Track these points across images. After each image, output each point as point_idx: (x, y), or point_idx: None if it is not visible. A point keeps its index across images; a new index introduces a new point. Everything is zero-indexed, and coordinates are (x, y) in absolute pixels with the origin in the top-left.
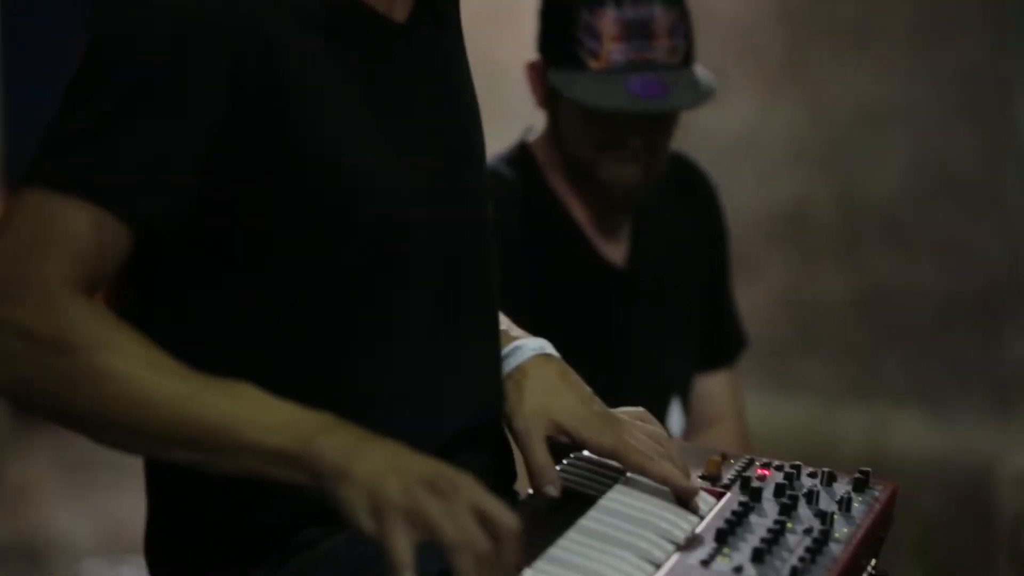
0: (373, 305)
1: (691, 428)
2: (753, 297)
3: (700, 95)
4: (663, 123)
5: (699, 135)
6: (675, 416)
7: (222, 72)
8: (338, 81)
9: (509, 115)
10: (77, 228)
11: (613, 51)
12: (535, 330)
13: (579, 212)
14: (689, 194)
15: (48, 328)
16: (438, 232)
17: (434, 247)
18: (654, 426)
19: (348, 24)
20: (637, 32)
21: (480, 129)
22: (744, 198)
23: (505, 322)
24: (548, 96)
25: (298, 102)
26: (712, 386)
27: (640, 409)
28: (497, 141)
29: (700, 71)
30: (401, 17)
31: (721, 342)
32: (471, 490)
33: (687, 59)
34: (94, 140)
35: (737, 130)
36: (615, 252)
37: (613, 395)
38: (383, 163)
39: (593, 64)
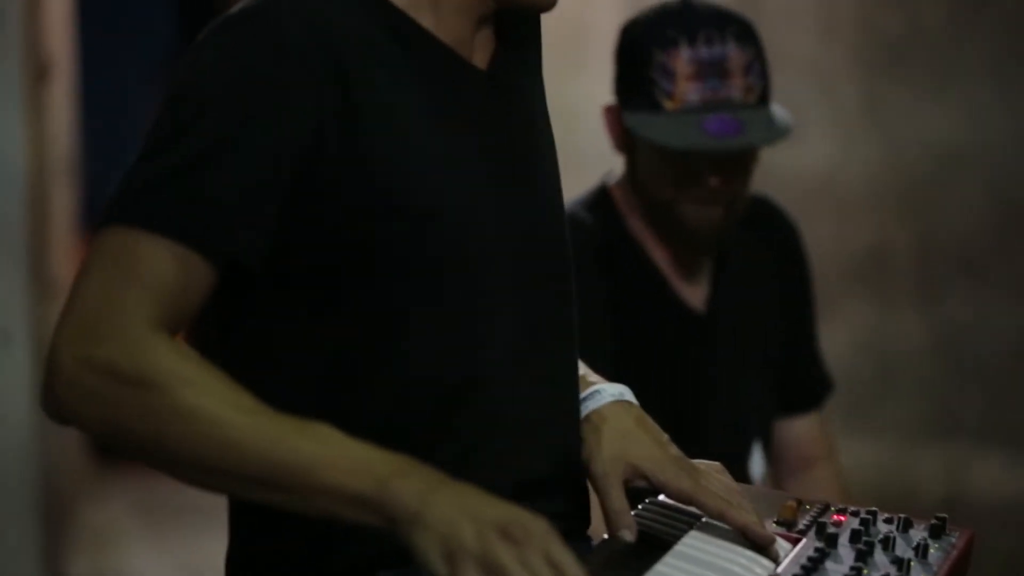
0: (449, 350)
1: (781, 474)
2: (832, 339)
3: (776, 133)
4: (740, 162)
5: (777, 177)
6: (756, 461)
7: (305, 111)
8: (419, 124)
9: (586, 158)
10: (161, 266)
11: (688, 91)
12: (614, 373)
13: (658, 255)
14: (770, 235)
15: (133, 366)
16: (517, 275)
17: (513, 290)
18: (727, 478)
19: (430, 69)
20: (712, 71)
21: (558, 174)
22: (823, 239)
23: (583, 367)
24: (625, 139)
25: (379, 144)
26: (800, 430)
27: (716, 463)
28: (575, 184)
29: (777, 109)
30: (483, 63)
31: (806, 386)
32: (544, 537)
33: (763, 98)
34: (177, 178)
35: (815, 171)
36: (695, 295)
37: (693, 440)
38: (464, 205)
39: (668, 105)
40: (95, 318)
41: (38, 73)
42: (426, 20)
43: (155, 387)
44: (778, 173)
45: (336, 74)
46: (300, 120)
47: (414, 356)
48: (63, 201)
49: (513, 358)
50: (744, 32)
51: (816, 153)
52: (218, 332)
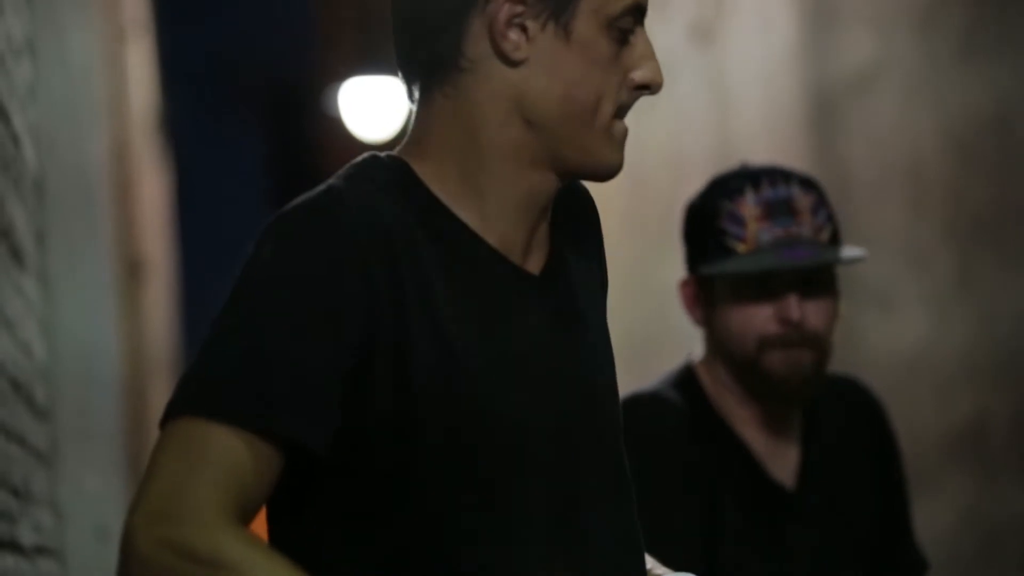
0: (496, 551)
1: None
2: (933, 516)
3: (852, 258)
4: (820, 287)
5: (871, 353)
6: None
7: (362, 304)
8: (469, 326)
9: (679, 337)
10: (230, 452)
11: (759, 231)
12: (703, 552)
13: (747, 431)
14: (858, 415)
15: (207, 548)
16: (567, 479)
17: (564, 492)
18: None
19: (483, 273)
20: (780, 210)
21: (614, 379)
22: (920, 415)
23: (651, 561)
24: (703, 306)
25: (430, 342)
26: None
27: None
28: (668, 363)
29: (851, 249)
30: (536, 269)
31: (900, 567)
32: None
33: (834, 238)
34: (242, 367)
35: (910, 347)
36: (784, 473)
37: None
38: (513, 409)
39: (741, 248)
40: (169, 502)
41: (131, 271)
42: (473, 223)
43: (226, 569)
44: (872, 349)
45: (392, 274)
46: (357, 316)
47: (465, 557)
48: (160, 400)
49: (559, 562)
50: (806, 180)
51: (909, 328)
52: (287, 514)
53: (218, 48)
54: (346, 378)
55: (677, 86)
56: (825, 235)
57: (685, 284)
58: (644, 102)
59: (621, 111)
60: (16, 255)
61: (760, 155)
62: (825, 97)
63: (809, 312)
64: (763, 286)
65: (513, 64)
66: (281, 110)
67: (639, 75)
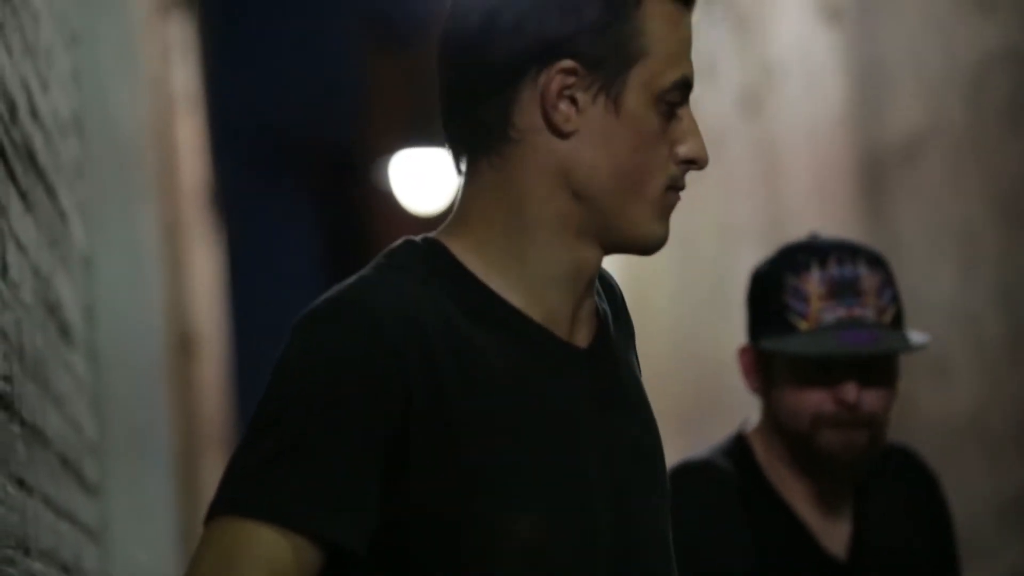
0: None
1: None
2: None
3: (913, 344)
4: (879, 373)
5: (924, 419)
6: None
7: (395, 401)
8: (513, 406)
9: (732, 407)
10: (270, 553)
11: (822, 309)
12: None
13: (799, 502)
14: (911, 485)
15: None
16: (614, 561)
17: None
18: None
19: (528, 348)
20: (845, 290)
21: (660, 452)
22: (973, 481)
23: None
24: (761, 376)
25: (471, 429)
26: None
27: None
28: (721, 432)
29: (914, 333)
30: (583, 343)
31: None
32: None
33: (898, 321)
34: (280, 466)
35: (962, 412)
36: (836, 544)
37: None
38: (553, 491)
39: (803, 325)
40: None
41: (182, 345)
42: (517, 299)
43: None
44: (924, 414)
45: (426, 364)
46: (391, 410)
47: None
48: (212, 476)
49: None
50: (874, 258)
51: (962, 393)
52: None
53: (269, 121)
54: (384, 473)
55: (726, 153)
56: (888, 317)
57: (744, 352)
58: (693, 172)
59: (672, 184)
60: (64, 331)
61: (810, 222)
62: (874, 163)
63: (867, 395)
64: (822, 367)
65: (563, 136)
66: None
67: (684, 150)
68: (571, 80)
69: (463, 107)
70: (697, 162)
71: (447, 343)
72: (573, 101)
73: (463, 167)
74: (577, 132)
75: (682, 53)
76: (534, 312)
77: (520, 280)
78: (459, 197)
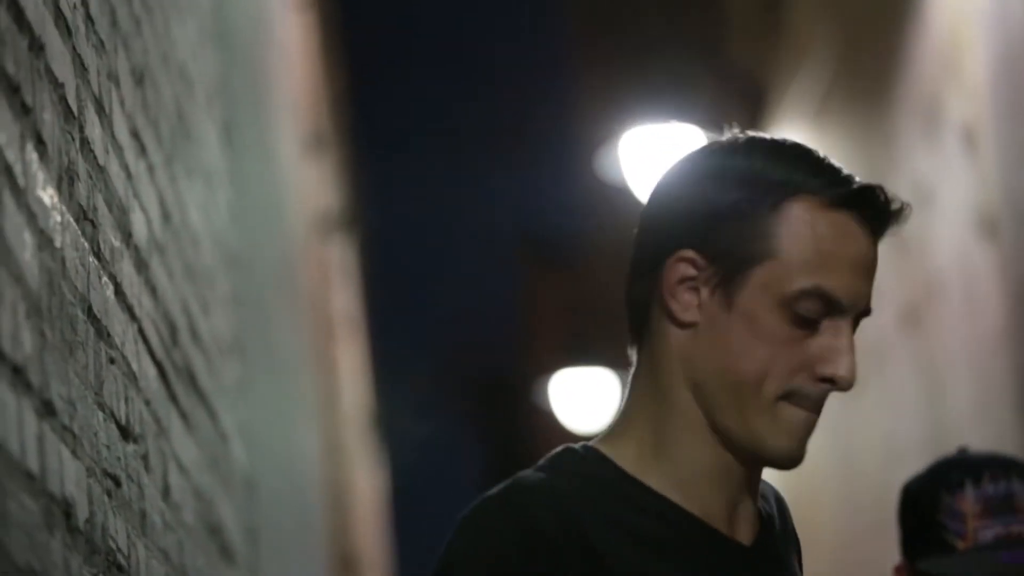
0: None
1: None
2: None
3: None
4: None
5: None
6: None
7: None
8: None
9: None
10: None
11: (979, 528)
12: None
13: None
14: None
15: None
16: None
17: None
18: None
19: (691, 546)
20: (1001, 508)
21: None
22: None
23: None
24: None
25: None
26: None
27: None
28: None
29: None
30: (747, 539)
31: None
32: None
33: None
34: None
35: None
36: None
37: None
38: None
39: (960, 544)
40: None
41: (345, 566)
42: (675, 495)
43: None
44: None
45: (586, 559)
46: None
47: None
48: None
49: None
50: None
51: None
52: None
53: (429, 343)
54: None
55: (888, 368)
56: None
57: (899, 571)
58: (856, 387)
59: (796, 397)
60: (226, 552)
61: (972, 439)
62: None
63: None
64: None
65: (681, 325)
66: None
67: (821, 367)
68: (692, 272)
69: (627, 289)
70: (836, 382)
71: (607, 539)
72: (696, 292)
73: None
74: (697, 324)
75: (823, 264)
76: (692, 507)
77: (674, 476)
78: (624, 391)
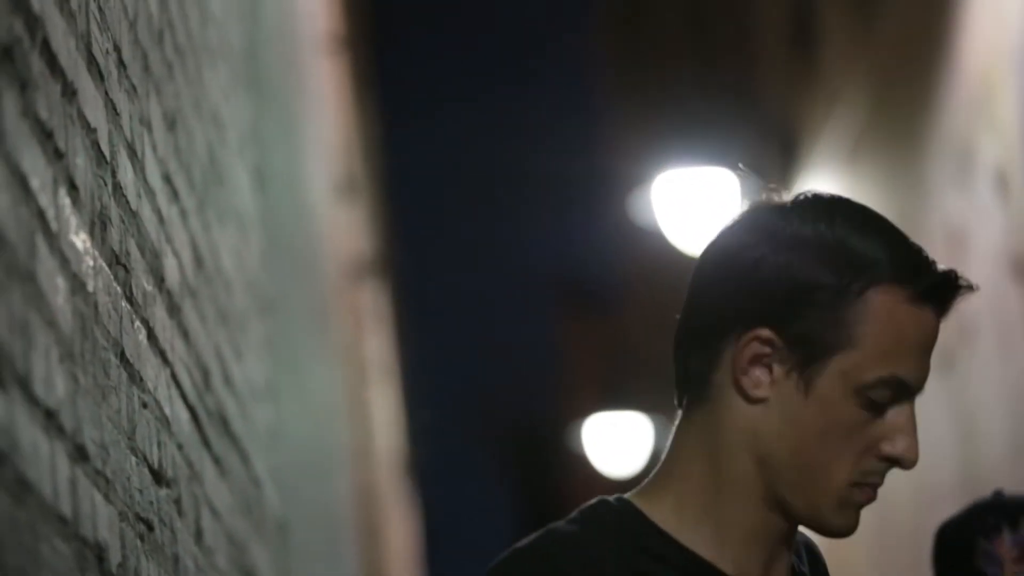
0: None
1: None
2: None
3: None
4: None
5: None
6: None
7: None
8: None
9: None
10: None
11: (1017, 573)
12: None
13: None
14: None
15: None
16: None
17: None
18: None
19: None
20: None
21: None
22: None
23: None
24: None
25: None
26: None
27: None
28: None
29: None
30: None
31: None
32: None
33: None
34: None
35: None
36: None
37: None
38: None
39: None
40: None
41: None
42: (708, 552)
43: None
44: None
45: None
46: None
47: None
48: None
49: None
50: None
51: None
52: None
53: (462, 388)
54: None
55: (921, 413)
56: None
57: None
58: None
59: (863, 479)
60: None
61: (1006, 481)
62: None
63: None
64: None
65: (750, 401)
66: (525, 448)
67: (889, 447)
68: (767, 350)
69: (679, 353)
70: (902, 462)
71: None
72: (769, 369)
73: (680, 414)
74: (767, 400)
75: (901, 353)
76: (726, 567)
77: (712, 536)
78: (668, 445)
